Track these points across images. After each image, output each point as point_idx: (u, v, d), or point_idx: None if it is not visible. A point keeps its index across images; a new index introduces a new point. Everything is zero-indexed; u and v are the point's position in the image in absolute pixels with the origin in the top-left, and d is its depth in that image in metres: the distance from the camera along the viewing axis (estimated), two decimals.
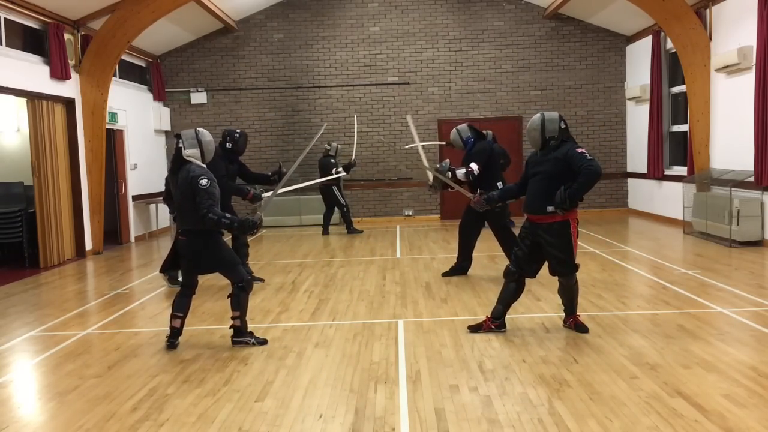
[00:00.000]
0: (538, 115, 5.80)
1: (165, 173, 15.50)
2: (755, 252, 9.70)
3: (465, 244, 8.74)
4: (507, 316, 6.52)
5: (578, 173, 5.53)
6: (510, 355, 5.32)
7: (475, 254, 10.01)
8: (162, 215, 14.99)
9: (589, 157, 5.53)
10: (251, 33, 15.49)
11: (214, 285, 8.64)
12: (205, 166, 5.74)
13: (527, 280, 6.06)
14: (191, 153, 5.68)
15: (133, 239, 13.58)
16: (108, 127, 12.24)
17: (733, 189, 10.35)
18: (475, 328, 6.03)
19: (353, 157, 13.36)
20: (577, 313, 6.06)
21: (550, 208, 5.63)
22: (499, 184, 8.26)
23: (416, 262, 9.94)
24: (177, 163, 5.81)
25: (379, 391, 4.64)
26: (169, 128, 15.40)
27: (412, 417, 4.18)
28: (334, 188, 13.44)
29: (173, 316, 5.83)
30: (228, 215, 5.64)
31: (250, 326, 5.95)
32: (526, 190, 5.94)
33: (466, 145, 8.60)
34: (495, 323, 5.97)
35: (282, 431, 4.07)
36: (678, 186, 12.41)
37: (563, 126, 5.72)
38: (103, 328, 6.71)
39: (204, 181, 5.50)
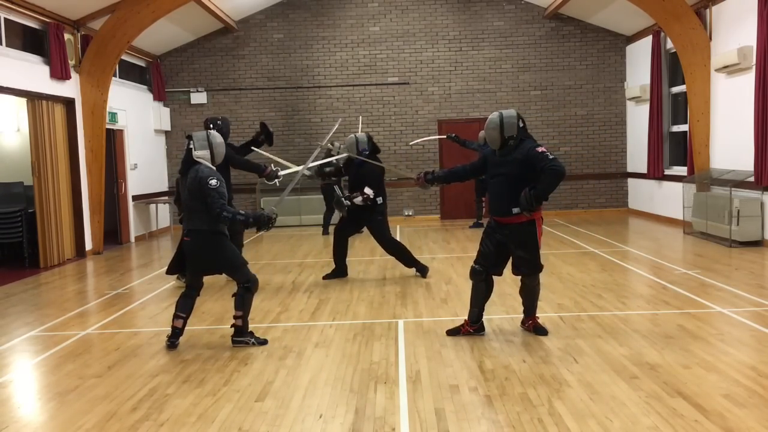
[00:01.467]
0: (496, 113, 5.66)
1: (165, 173, 15.53)
2: (755, 252, 9.70)
3: (337, 248, 8.84)
4: (508, 316, 6.53)
5: (542, 173, 5.42)
6: (510, 355, 5.32)
7: (474, 254, 9.99)
8: (162, 215, 14.99)
9: (551, 157, 5.42)
10: (251, 33, 15.49)
11: (214, 285, 8.64)
12: (214, 168, 5.76)
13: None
14: (201, 155, 5.71)
15: (133, 239, 13.58)
16: (108, 127, 12.23)
17: (733, 189, 10.35)
18: (453, 332, 5.93)
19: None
20: (537, 315, 6.00)
21: (515, 210, 5.55)
22: (379, 200, 8.49)
23: None
24: (187, 164, 5.84)
25: (379, 391, 4.64)
26: (169, 128, 15.39)
27: (412, 417, 4.18)
28: (336, 188, 13.42)
29: (176, 316, 5.84)
30: (242, 211, 5.68)
31: (250, 326, 5.95)
32: (488, 190, 5.99)
33: (360, 154, 8.50)
34: (473, 327, 5.89)
35: (282, 431, 4.07)
36: (678, 186, 12.41)
37: (521, 125, 5.64)
38: (103, 328, 6.71)
39: (213, 182, 5.53)
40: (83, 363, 5.57)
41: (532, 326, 5.93)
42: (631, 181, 15.56)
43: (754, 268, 8.61)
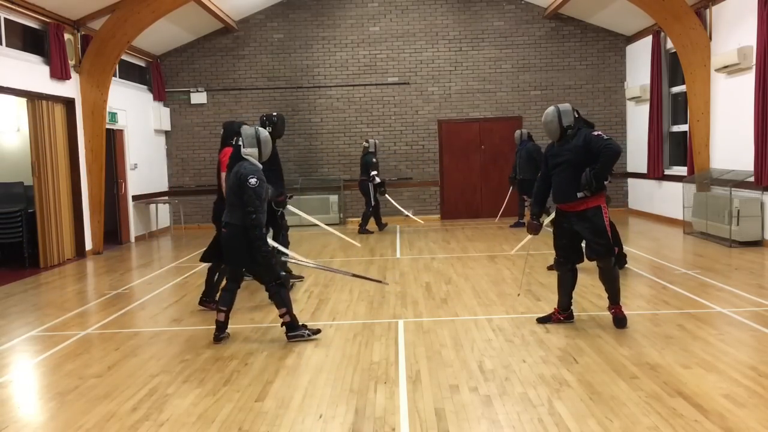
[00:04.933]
0: (552, 107, 5.95)
1: (165, 173, 15.53)
2: (755, 252, 9.70)
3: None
4: (507, 315, 6.54)
5: (598, 155, 5.68)
6: (510, 355, 5.32)
7: (474, 254, 9.99)
8: (162, 215, 14.98)
9: (606, 138, 5.73)
10: (251, 33, 15.49)
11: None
12: (260, 165, 5.77)
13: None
14: (249, 152, 5.72)
15: (133, 239, 13.58)
16: (108, 127, 12.23)
17: (733, 189, 10.35)
18: (543, 320, 6.16)
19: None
20: (620, 304, 6.09)
21: (579, 194, 5.76)
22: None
23: (416, 262, 9.93)
24: (234, 159, 5.76)
25: (379, 391, 4.64)
26: (169, 128, 15.38)
27: (412, 417, 4.18)
28: (371, 185, 13.65)
29: (218, 310, 5.92)
30: (265, 233, 5.69)
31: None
32: (551, 183, 6.02)
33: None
34: (563, 315, 6.12)
35: (282, 431, 4.07)
36: (678, 186, 12.41)
37: (576, 115, 5.91)
38: (103, 328, 6.71)
39: (253, 180, 5.54)
40: (83, 363, 5.57)
41: (613, 316, 6.05)
42: (631, 181, 15.55)
43: (754, 268, 8.61)
